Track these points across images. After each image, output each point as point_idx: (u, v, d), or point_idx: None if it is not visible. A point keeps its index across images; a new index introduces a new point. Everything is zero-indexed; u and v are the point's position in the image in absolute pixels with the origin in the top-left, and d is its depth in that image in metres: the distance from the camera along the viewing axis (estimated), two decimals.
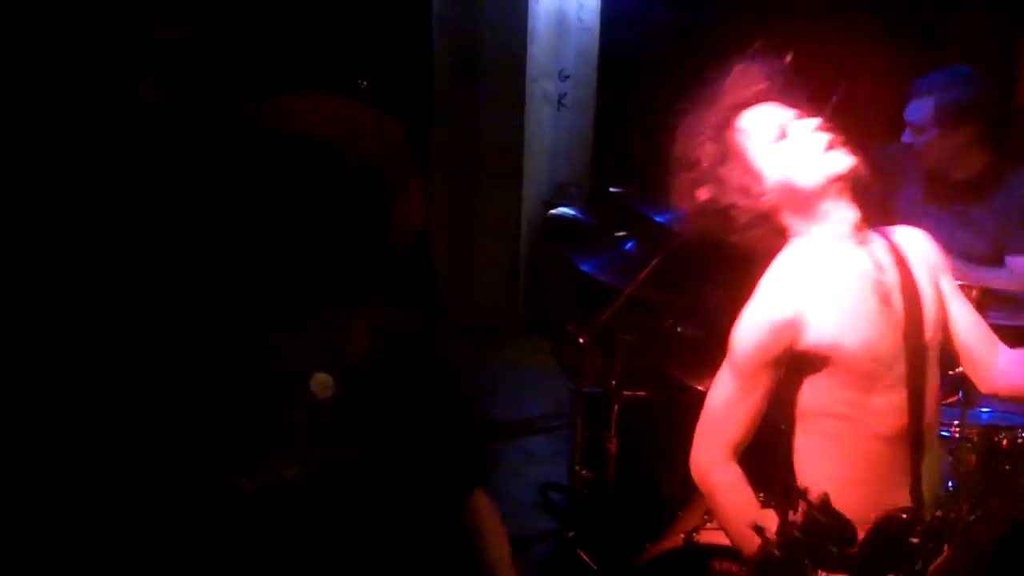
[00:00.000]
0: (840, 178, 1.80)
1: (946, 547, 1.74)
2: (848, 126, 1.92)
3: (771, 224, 1.87)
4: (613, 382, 2.76)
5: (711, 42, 3.99)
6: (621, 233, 3.31)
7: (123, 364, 1.90)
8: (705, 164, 1.97)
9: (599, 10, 4.22)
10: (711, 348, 2.82)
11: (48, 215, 3.64)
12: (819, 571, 1.54)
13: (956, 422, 2.26)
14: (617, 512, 2.79)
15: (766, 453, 1.96)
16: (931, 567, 1.71)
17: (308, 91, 1.55)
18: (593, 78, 4.33)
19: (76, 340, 3.14)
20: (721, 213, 1.91)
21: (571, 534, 2.79)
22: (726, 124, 1.96)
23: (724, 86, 2.03)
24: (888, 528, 1.75)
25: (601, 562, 2.72)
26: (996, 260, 2.84)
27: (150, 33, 3.82)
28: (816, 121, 1.84)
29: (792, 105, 1.91)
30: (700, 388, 2.61)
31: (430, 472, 1.63)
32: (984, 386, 1.97)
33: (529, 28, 4.00)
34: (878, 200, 1.88)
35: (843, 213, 1.82)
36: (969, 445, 2.21)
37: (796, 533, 1.49)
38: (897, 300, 1.84)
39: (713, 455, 1.86)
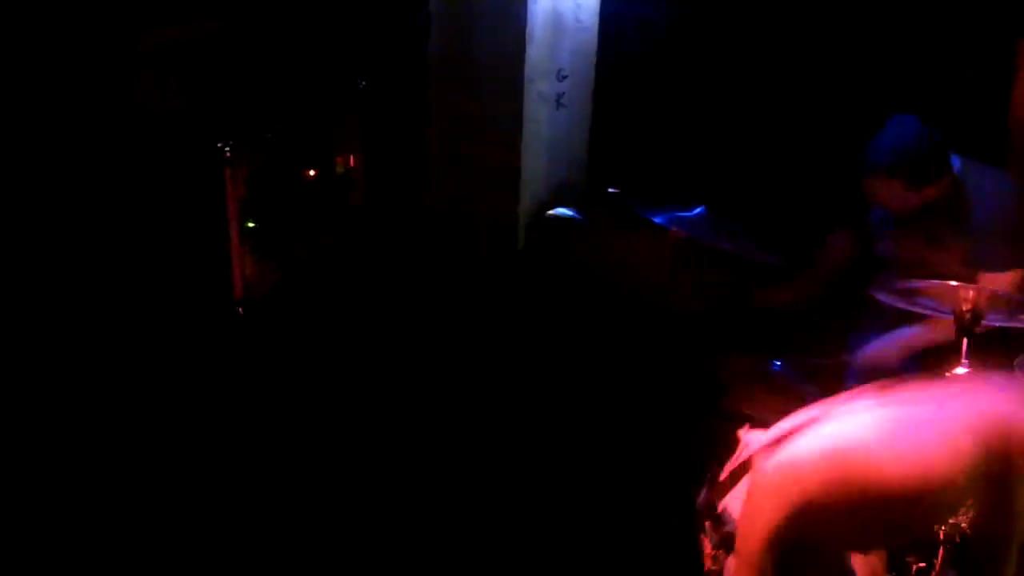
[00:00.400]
0: None
1: None
2: None
3: None
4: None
5: (709, 42, 4.00)
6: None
7: None
8: None
9: (597, 10, 4.20)
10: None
11: (46, 215, 3.63)
12: None
13: None
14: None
15: None
16: None
17: None
18: (591, 78, 4.31)
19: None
20: None
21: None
22: None
23: None
24: None
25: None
26: (967, 277, 2.81)
27: (147, 33, 3.81)
28: None
29: None
30: None
31: None
32: None
33: (527, 28, 3.99)
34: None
35: None
36: None
37: None
38: None
39: None
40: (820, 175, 3.49)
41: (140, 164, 3.76)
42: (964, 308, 2.38)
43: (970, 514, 1.55)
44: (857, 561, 1.56)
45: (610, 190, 3.93)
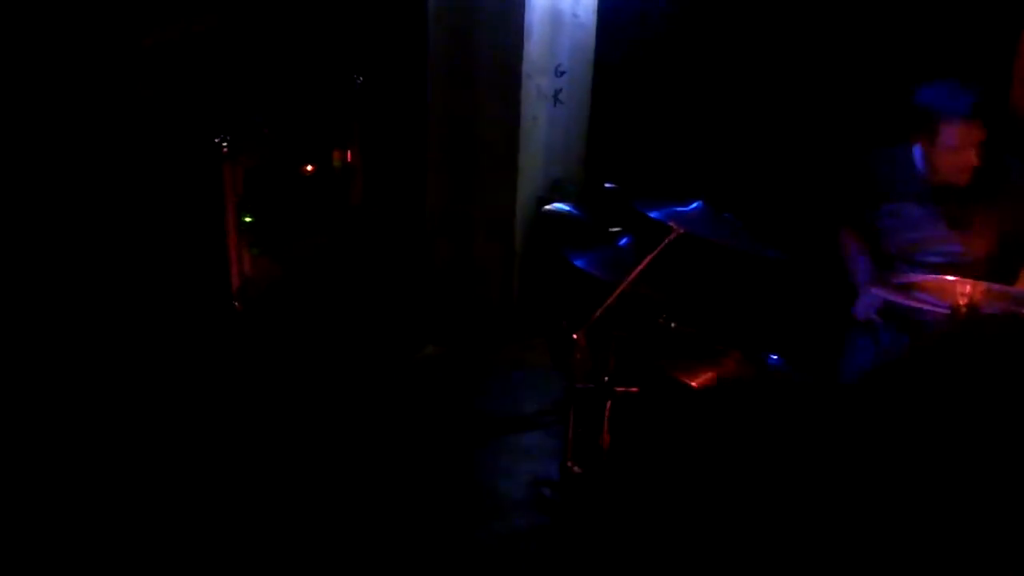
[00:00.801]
0: None
1: None
2: None
3: None
4: (606, 378, 2.75)
5: (706, 38, 4.00)
6: (616, 229, 3.30)
7: None
8: None
9: (595, 6, 4.21)
10: (704, 344, 2.82)
11: (46, 211, 3.63)
12: None
13: None
14: (608, 507, 2.78)
15: None
16: None
17: None
18: (588, 74, 4.32)
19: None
20: None
21: (563, 529, 2.78)
22: None
23: None
24: None
25: (593, 552, 2.72)
26: (993, 261, 2.83)
27: (146, 30, 3.81)
28: None
29: None
30: (693, 385, 2.60)
31: None
32: None
33: (525, 24, 3.99)
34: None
35: None
36: None
37: None
38: None
39: None
40: (818, 170, 3.49)
41: (138, 159, 3.76)
42: (961, 303, 2.38)
43: None
44: None
45: (607, 185, 3.93)
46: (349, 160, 4.22)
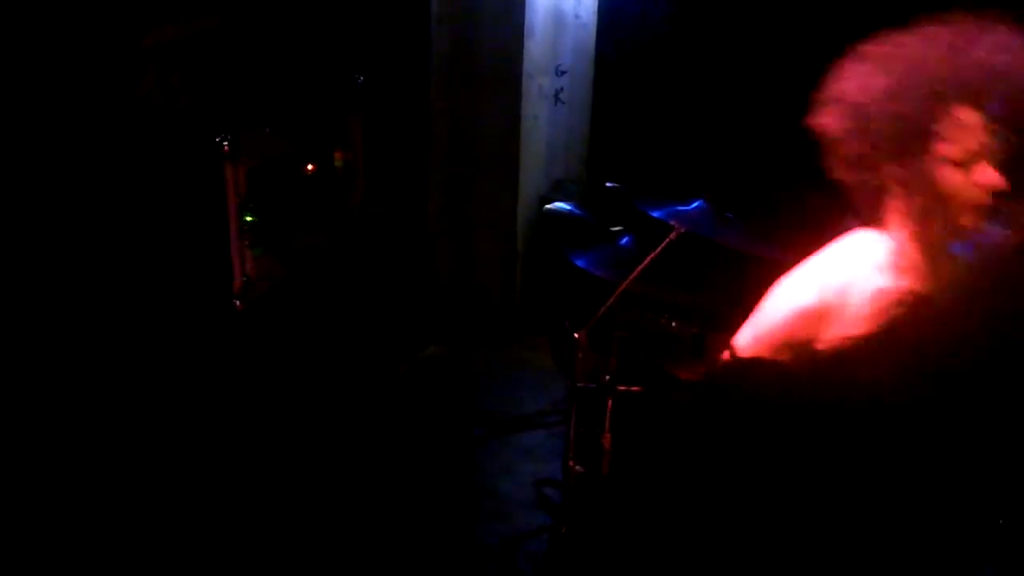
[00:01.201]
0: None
1: None
2: None
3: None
4: (608, 378, 2.75)
5: (707, 37, 4.00)
6: (617, 228, 3.30)
7: None
8: (895, 121, 1.66)
9: (596, 6, 4.21)
10: (706, 344, 2.82)
11: (47, 211, 3.63)
12: None
13: None
14: (611, 508, 2.78)
15: None
16: None
17: None
18: (590, 73, 4.32)
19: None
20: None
21: (564, 530, 2.78)
22: (944, 95, 1.63)
23: (972, 38, 1.66)
24: None
25: (595, 557, 2.72)
26: None
27: (149, 31, 3.81)
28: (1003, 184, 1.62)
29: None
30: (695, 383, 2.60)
31: None
32: None
33: (526, 24, 3.99)
34: None
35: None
36: None
37: None
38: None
39: None
40: (820, 168, 3.49)
41: (140, 159, 3.76)
42: None
43: None
44: None
45: (609, 184, 3.93)
46: (351, 160, 4.22)
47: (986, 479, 1.69)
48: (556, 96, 4.21)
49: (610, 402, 2.74)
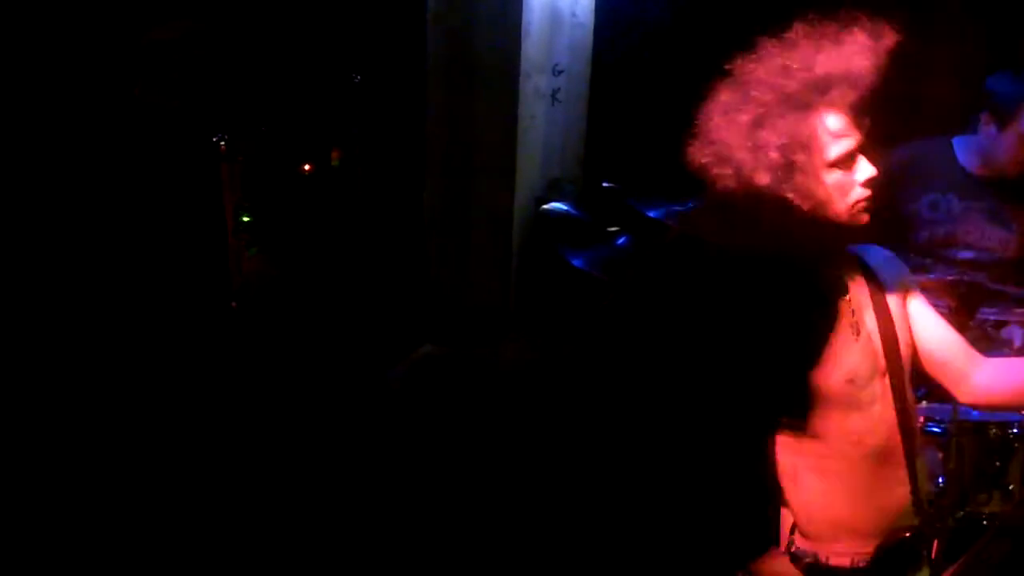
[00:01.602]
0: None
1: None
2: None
3: (767, 224, 1.73)
4: None
5: (705, 37, 4.00)
6: (614, 228, 3.30)
7: None
8: (760, 139, 1.70)
9: (593, 5, 4.21)
10: None
11: (42, 210, 3.62)
12: None
13: (947, 419, 2.26)
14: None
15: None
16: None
17: None
18: (586, 73, 4.32)
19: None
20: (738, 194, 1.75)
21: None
22: (808, 103, 1.70)
23: (820, 48, 1.76)
24: (895, 547, 1.79)
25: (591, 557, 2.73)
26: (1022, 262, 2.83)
27: (145, 31, 3.80)
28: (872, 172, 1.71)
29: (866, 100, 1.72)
30: None
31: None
32: (962, 398, 1.96)
33: (523, 23, 3.99)
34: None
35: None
36: (960, 441, 2.21)
37: None
38: (871, 320, 1.81)
39: None
40: None
41: (136, 158, 3.75)
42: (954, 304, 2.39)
43: None
44: None
45: (606, 185, 3.93)
46: (347, 159, 4.22)
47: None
48: (553, 96, 4.21)
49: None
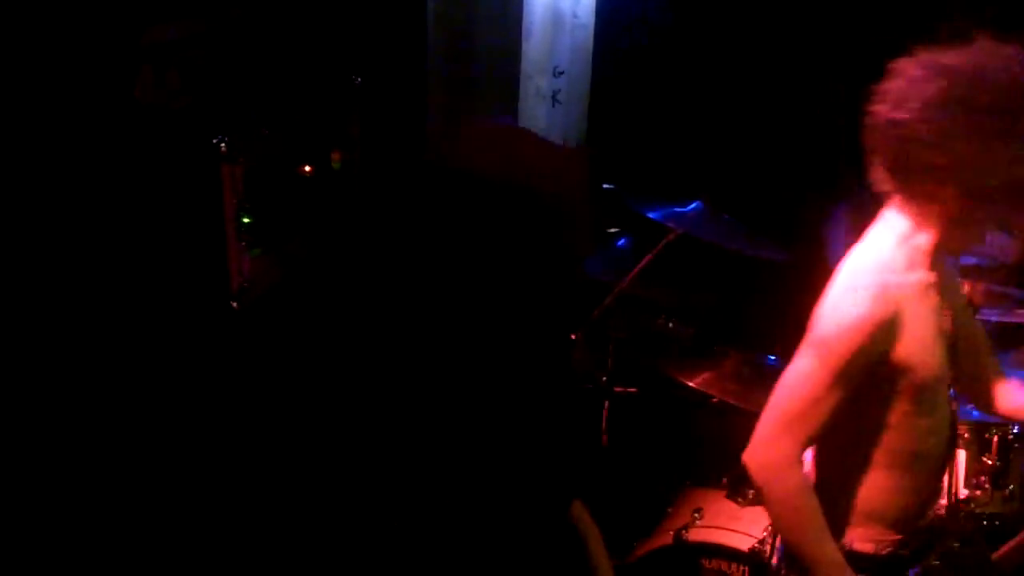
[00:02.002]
0: None
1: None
2: None
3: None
4: (605, 379, 2.75)
5: (705, 37, 4.00)
6: (614, 230, 3.30)
7: None
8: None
9: (594, 6, 4.20)
10: (702, 345, 2.82)
11: (42, 211, 3.62)
12: None
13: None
14: (606, 509, 2.77)
15: None
16: None
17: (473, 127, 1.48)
18: (587, 74, 4.31)
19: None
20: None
21: None
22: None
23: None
24: (918, 538, 1.85)
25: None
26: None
27: (145, 31, 3.80)
28: None
29: None
30: (692, 384, 2.60)
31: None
32: (981, 407, 1.98)
33: (524, 24, 3.99)
34: None
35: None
36: (961, 441, 2.22)
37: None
38: (949, 322, 1.82)
39: (790, 453, 1.77)
40: (820, 167, 3.49)
41: (136, 160, 3.75)
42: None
43: None
44: None
45: (606, 186, 3.93)
46: (349, 160, 4.22)
47: None
48: (554, 97, 4.21)
49: (607, 403, 2.74)
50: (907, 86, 1.74)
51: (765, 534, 2.38)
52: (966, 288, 2.40)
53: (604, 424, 2.71)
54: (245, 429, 3.40)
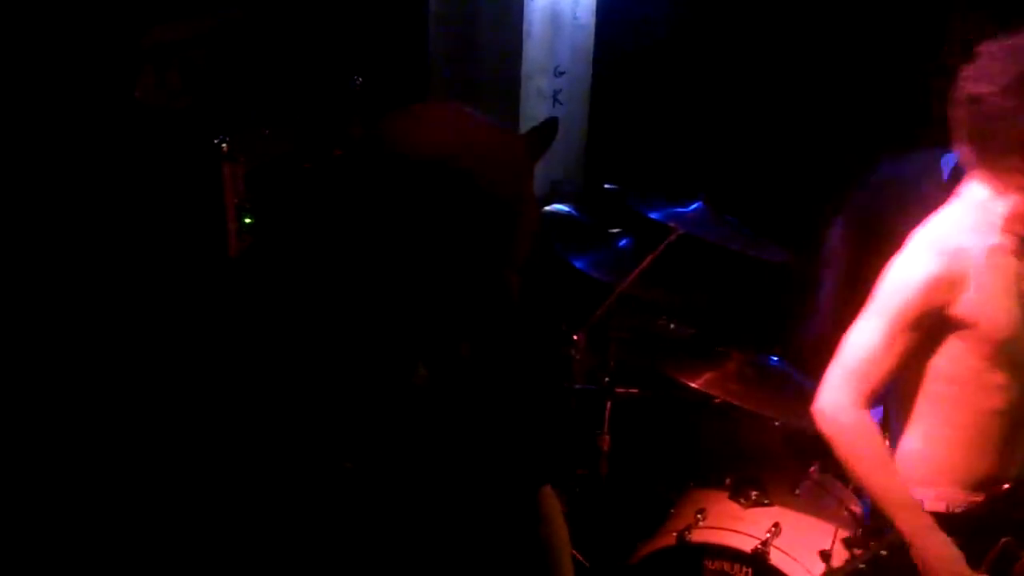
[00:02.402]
0: None
1: None
2: None
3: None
4: (606, 379, 2.75)
5: (705, 38, 4.00)
6: (615, 230, 3.30)
7: None
8: None
9: (594, 7, 4.20)
10: (703, 346, 2.82)
11: (43, 211, 3.62)
12: None
13: None
14: (609, 510, 2.78)
15: None
16: None
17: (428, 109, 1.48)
18: (588, 75, 4.31)
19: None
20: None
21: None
22: None
23: None
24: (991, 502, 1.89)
25: (593, 560, 2.72)
26: None
27: (146, 32, 3.80)
28: None
29: None
30: (693, 385, 2.60)
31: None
32: None
33: (525, 24, 3.99)
34: None
35: None
36: None
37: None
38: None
39: (849, 399, 1.86)
40: (820, 168, 3.49)
41: (137, 160, 3.75)
42: None
43: None
44: None
45: (607, 186, 3.93)
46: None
47: None
48: (554, 98, 4.21)
49: (608, 404, 2.74)
50: (988, 64, 1.86)
51: (768, 535, 2.38)
52: None
53: (606, 425, 2.72)
54: (244, 428, 3.40)
